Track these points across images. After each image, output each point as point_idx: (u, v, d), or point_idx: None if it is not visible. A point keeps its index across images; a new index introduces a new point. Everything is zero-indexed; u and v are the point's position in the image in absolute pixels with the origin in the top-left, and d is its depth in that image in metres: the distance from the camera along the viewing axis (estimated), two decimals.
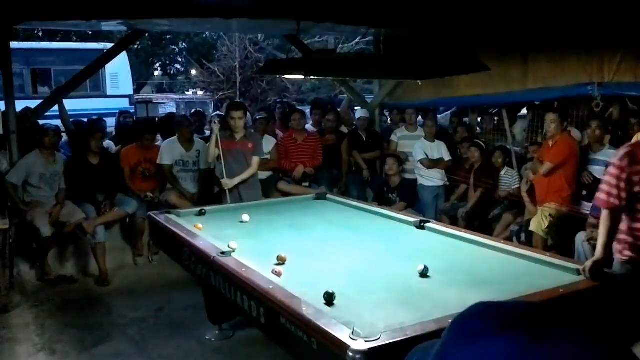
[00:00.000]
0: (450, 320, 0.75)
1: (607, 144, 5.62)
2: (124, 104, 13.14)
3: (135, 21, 6.15)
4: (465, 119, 7.93)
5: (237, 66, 17.01)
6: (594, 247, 5.03)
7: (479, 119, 8.23)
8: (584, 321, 0.66)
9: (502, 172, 6.33)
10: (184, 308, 4.91)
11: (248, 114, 6.50)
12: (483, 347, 0.65)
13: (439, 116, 8.49)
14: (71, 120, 7.27)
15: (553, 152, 5.44)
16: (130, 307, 5.06)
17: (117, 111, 9.03)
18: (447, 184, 6.94)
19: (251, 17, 5.80)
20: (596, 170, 5.53)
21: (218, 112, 8.56)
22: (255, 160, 5.72)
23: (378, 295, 2.86)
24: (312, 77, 10.98)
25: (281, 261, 3.31)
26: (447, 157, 6.87)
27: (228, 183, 5.54)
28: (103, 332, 4.53)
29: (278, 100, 11.39)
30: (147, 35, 14.05)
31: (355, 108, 9.04)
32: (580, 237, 5.11)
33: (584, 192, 5.56)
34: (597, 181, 5.43)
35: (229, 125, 5.66)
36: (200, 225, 4.18)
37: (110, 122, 8.60)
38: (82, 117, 8.27)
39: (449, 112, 8.89)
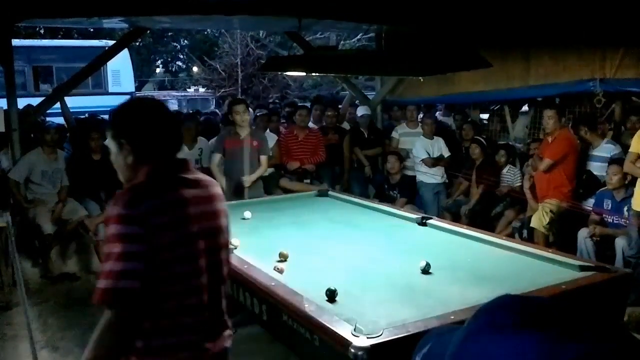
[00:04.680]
0: (452, 317, 0.75)
1: (606, 138, 5.65)
2: None
3: (136, 18, 6.15)
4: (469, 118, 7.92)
5: (239, 63, 17.00)
6: (596, 244, 5.04)
7: (484, 118, 8.24)
8: (607, 319, 0.66)
9: (505, 170, 6.32)
10: None
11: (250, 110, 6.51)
12: (511, 341, 0.64)
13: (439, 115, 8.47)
14: (73, 117, 7.28)
15: (552, 148, 5.44)
16: None
17: None
18: (447, 181, 6.93)
19: (252, 13, 5.80)
20: (594, 166, 5.55)
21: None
22: (264, 159, 5.80)
23: (380, 292, 2.86)
24: (313, 74, 10.97)
25: (283, 258, 3.32)
26: (446, 153, 6.87)
27: (247, 180, 5.59)
28: None
29: (285, 102, 11.43)
30: (148, 32, 14.04)
31: (356, 102, 9.02)
32: (583, 234, 5.11)
33: (581, 190, 5.56)
34: (595, 178, 5.47)
35: (233, 123, 5.68)
36: None
37: None
38: (84, 114, 8.28)
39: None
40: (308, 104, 8.86)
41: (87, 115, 8.35)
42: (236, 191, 5.62)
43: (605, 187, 5.23)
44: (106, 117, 8.46)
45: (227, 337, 1.92)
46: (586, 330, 0.64)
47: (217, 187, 1.97)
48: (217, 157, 5.77)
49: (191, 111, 10.96)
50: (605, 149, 5.52)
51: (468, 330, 0.70)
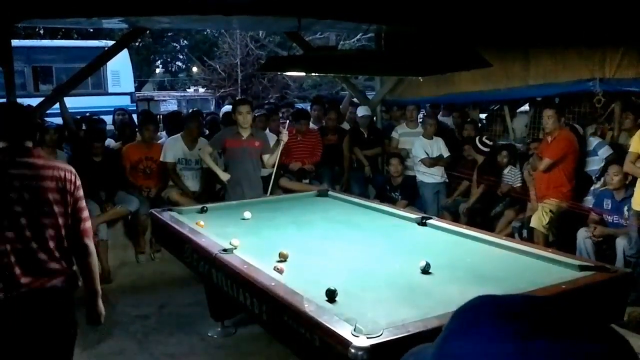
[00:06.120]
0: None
1: (589, 134, 5.87)
2: (125, 101, 13.15)
3: (136, 18, 6.14)
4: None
5: (238, 63, 17.04)
6: (596, 244, 5.05)
7: (483, 118, 8.24)
8: (587, 315, 0.66)
9: (506, 170, 6.31)
10: (186, 305, 4.92)
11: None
12: (483, 336, 0.65)
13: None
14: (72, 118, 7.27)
15: (552, 148, 5.45)
16: (133, 304, 5.07)
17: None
18: (447, 181, 6.93)
19: (252, 14, 5.79)
20: (588, 161, 5.68)
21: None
22: (266, 157, 5.81)
23: (380, 292, 2.86)
24: (313, 74, 10.98)
25: (283, 258, 3.32)
26: (445, 153, 6.86)
27: (268, 163, 5.76)
28: (105, 329, 4.53)
29: (283, 103, 11.42)
30: (148, 32, 14.05)
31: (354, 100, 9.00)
32: (582, 234, 5.11)
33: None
34: (587, 177, 5.53)
35: (235, 122, 5.68)
36: (202, 223, 4.18)
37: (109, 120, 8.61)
38: (84, 115, 8.29)
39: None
40: (308, 105, 8.84)
41: (88, 114, 8.33)
42: (235, 190, 5.63)
43: (605, 187, 5.24)
44: (105, 117, 8.47)
45: (54, 276, 2.71)
46: (571, 327, 0.64)
47: (56, 171, 2.64)
48: (208, 149, 5.85)
49: (192, 110, 10.93)
50: (590, 143, 5.77)
51: (446, 334, 0.70)
